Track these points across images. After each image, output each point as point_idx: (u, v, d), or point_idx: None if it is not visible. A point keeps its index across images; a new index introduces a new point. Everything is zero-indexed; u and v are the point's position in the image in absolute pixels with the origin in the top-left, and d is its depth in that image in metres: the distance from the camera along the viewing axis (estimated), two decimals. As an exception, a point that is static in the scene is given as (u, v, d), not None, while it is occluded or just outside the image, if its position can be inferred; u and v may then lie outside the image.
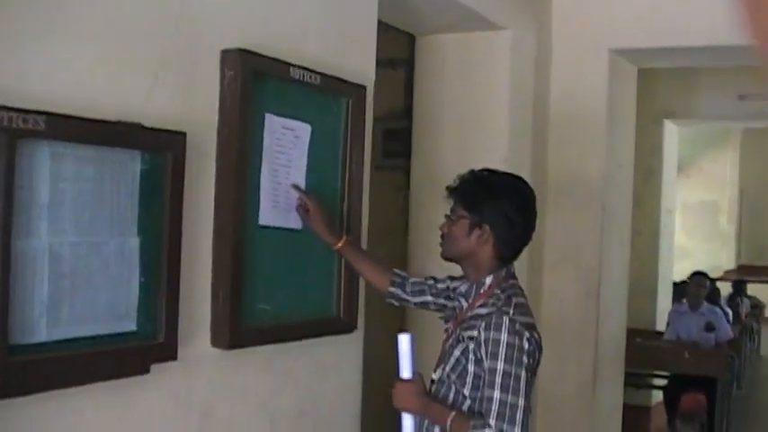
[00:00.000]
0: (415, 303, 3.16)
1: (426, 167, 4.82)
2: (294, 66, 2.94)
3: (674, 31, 4.96)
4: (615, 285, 5.61)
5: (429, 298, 3.12)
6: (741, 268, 17.16)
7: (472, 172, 2.89)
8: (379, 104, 6.22)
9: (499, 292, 2.79)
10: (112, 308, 2.40)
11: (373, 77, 3.49)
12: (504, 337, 2.62)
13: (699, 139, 14.18)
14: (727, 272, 16.07)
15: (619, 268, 5.68)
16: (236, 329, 2.76)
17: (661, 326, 8.75)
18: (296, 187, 3.03)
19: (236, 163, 2.73)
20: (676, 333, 8.05)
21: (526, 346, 2.64)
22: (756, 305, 13.45)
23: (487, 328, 2.66)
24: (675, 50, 5.25)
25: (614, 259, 5.53)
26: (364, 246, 3.39)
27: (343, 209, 3.27)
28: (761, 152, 17.38)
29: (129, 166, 2.41)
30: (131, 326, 2.45)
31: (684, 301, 8.30)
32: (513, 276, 2.90)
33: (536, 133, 5.02)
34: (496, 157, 4.51)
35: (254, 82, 2.80)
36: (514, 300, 2.75)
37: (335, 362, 3.32)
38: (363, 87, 3.31)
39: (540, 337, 2.75)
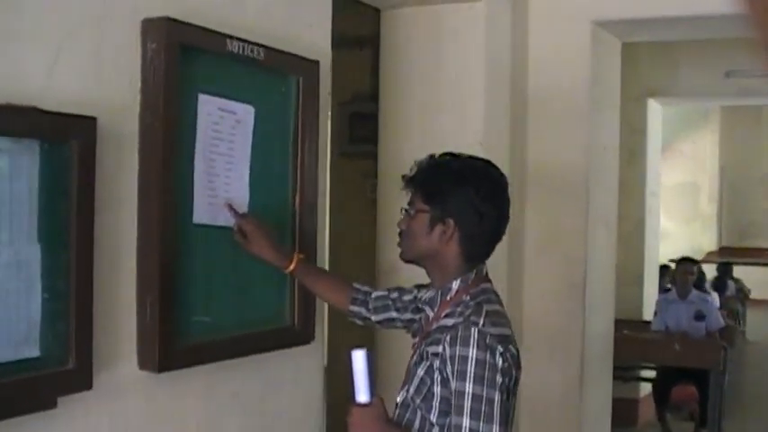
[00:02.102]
0: (379, 322, 2.74)
1: (393, 154, 4.41)
2: (232, 38, 2.52)
3: (661, 0, 4.57)
4: (602, 275, 5.22)
5: (393, 314, 2.70)
6: (723, 250, 16.87)
7: (431, 157, 2.47)
8: (346, 87, 5.89)
9: (468, 298, 2.36)
10: (9, 332, 1.97)
11: (329, 52, 3.06)
12: (472, 352, 2.19)
13: (677, 120, 13.83)
14: (709, 254, 15.78)
15: (605, 256, 5.29)
16: (168, 348, 2.34)
17: (648, 314, 8.37)
18: (230, 207, 2.60)
19: (163, 152, 2.30)
20: (664, 323, 7.68)
21: (500, 362, 2.21)
22: (741, 288, 13.13)
23: (453, 343, 2.23)
24: (662, 21, 4.84)
25: (600, 247, 5.14)
26: (326, 245, 2.97)
27: (296, 205, 2.85)
28: (741, 130, 17.11)
29: (23, 158, 1.98)
30: (33, 352, 2.02)
31: (672, 288, 7.95)
32: (486, 279, 2.47)
33: (514, 114, 4.61)
34: (470, 141, 4.11)
35: (184, 57, 2.37)
36: (486, 307, 2.31)
37: (291, 378, 2.91)
38: (316, 63, 2.88)
39: (517, 352, 2.32)
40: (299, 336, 2.88)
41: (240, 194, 2.66)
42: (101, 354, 2.18)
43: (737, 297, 12.27)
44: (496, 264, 4.41)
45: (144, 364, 2.32)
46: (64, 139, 2.04)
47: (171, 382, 2.41)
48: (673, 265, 9.25)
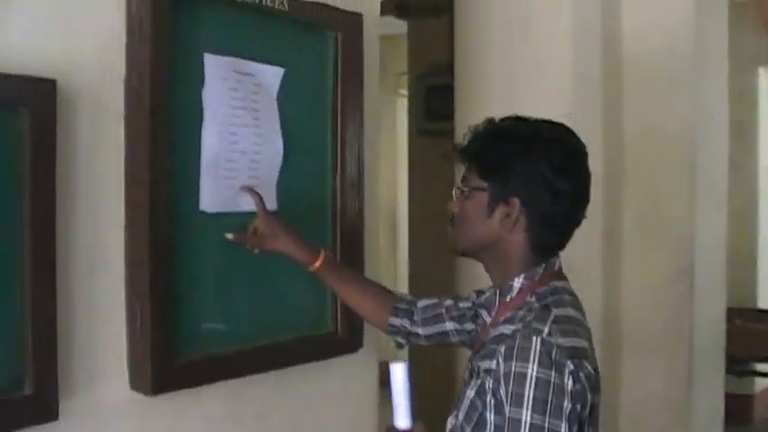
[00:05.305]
0: (428, 337, 2.21)
1: (471, 131, 3.95)
2: (245, -16, 2.07)
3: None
4: (713, 259, 4.68)
5: (449, 325, 2.17)
6: None
7: (490, 122, 1.94)
8: (421, 58, 5.48)
9: (533, 299, 1.85)
10: (-55, 350, 1.57)
11: (377, 3, 2.59)
12: (532, 369, 1.67)
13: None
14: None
15: (716, 238, 4.75)
16: (166, 365, 1.90)
17: (763, 302, 7.74)
18: (254, 194, 2.13)
19: (151, 124, 1.85)
20: (783, 312, 7.09)
21: (569, 384, 1.68)
22: None
23: (508, 357, 1.71)
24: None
25: (710, 227, 4.60)
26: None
27: (336, 184, 2.38)
28: None
29: (-43, 131, 1.57)
30: (-22, 374, 1.62)
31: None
32: (560, 275, 1.94)
33: (607, 82, 4.13)
34: (557, 113, 3.59)
35: (181, 9, 1.93)
36: (555, 311, 1.78)
37: (334, 395, 2.44)
38: (358, 16, 2.41)
39: (595, 371, 1.78)
40: (344, 343, 2.41)
41: (271, 175, 2.22)
42: (80, 374, 1.78)
43: None
44: (589, 252, 3.97)
45: (136, 384, 1.89)
46: (12, 108, 1.61)
47: (172, 404, 1.97)
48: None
